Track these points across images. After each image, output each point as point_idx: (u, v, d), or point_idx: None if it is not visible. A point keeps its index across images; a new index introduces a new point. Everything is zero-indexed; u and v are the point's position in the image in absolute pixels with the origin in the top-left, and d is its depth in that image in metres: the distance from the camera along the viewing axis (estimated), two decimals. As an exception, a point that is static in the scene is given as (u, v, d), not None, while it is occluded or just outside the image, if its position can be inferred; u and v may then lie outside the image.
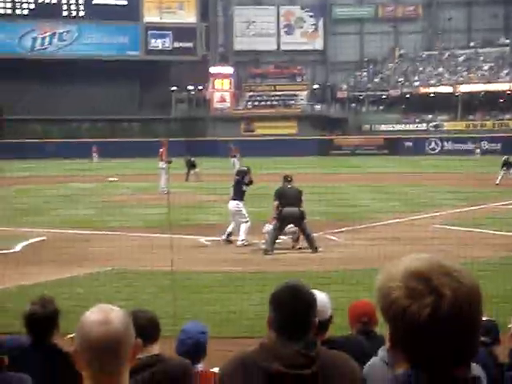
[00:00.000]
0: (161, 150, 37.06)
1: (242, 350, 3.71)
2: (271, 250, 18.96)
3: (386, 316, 1.90)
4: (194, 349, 5.60)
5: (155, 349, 4.83)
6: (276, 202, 19.15)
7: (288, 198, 19.06)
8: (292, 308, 3.61)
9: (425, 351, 1.85)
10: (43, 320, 5.22)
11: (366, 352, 4.98)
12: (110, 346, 2.49)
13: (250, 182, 21.17)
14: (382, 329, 2.09)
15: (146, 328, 4.67)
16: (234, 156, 50.48)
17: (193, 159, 44.38)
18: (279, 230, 19.25)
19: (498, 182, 37.80)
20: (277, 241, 19.57)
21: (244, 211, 20.64)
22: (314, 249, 19.00)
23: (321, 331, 4.89)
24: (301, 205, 19.12)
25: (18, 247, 19.73)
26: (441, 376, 1.87)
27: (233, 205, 20.83)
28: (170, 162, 35.82)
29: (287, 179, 19.87)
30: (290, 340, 3.53)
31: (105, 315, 2.53)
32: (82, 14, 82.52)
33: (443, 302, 1.82)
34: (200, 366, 5.64)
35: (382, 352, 4.23)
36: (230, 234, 20.69)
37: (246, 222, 20.41)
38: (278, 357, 3.47)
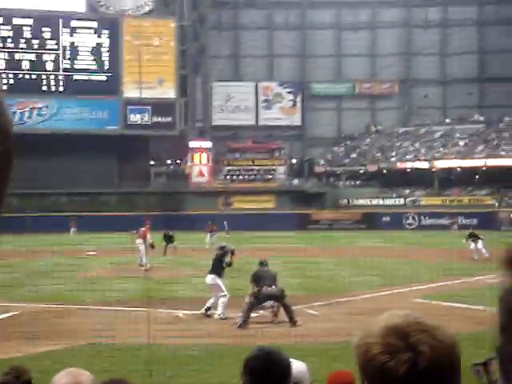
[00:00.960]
0: (143, 228, 36.91)
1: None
2: (244, 324, 18.91)
3: (364, 373, 1.89)
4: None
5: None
6: (252, 285, 19.32)
7: (265, 279, 19.29)
8: (265, 374, 3.58)
9: None
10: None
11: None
12: None
13: (230, 264, 21.25)
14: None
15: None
16: (211, 231, 50.39)
17: (171, 233, 44.28)
18: (255, 306, 19.32)
19: (476, 257, 37.99)
20: (255, 315, 19.51)
21: (222, 285, 20.60)
22: (293, 322, 18.97)
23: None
24: (278, 286, 19.38)
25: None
26: None
27: (210, 279, 20.84)
28: (152, 247, 35.89)
29: (263, 263, 20.11)
30: None
31: (74, 379, 2.49)
32: (61, 89, 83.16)
33: (421, 359, 1.82)
34: None
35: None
36: (208, 308, 20.61)
37: (224, 295, 20.37)
38: None
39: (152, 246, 36.06)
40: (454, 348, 1.88)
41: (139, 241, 36.06)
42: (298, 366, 5.06)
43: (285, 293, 19.31)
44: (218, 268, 20.91)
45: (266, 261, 20.38)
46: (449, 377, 1.85)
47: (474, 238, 39.98)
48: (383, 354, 1.83)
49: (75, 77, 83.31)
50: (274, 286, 19.27)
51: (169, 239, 43.93)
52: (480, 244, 39.14)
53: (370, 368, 1.85)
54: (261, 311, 19.83)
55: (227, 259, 21.25)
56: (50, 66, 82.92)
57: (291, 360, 4.03)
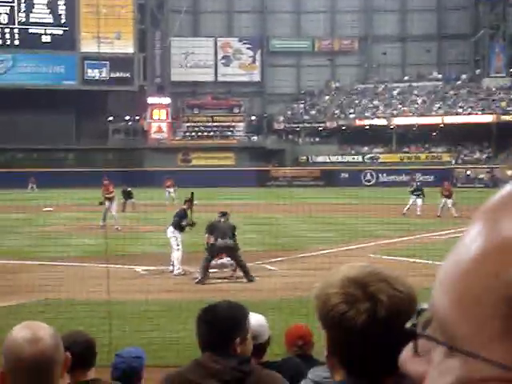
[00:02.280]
0: (106, 182, 36.50)
1: (177, 369, 3.70)
2: (203, 280, 18.98)
3: (324, 323, 1.91)
4: (129, 373, 5.54)
5: (91, 374, 4.75)
6: (207, 235, 19.27)
7: (220, 231, 19.19)
8: (208, 325, 3.67)
9: (360, 358, 1.87)
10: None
11: (303, 374, 4.99)
12: (42, 365, 2.40)
13: (192, 224, 20.96)
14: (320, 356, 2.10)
15: (82, 353, 4.59)
16: (169, 187, 50.31)
17: (129, 189, 44.04)
18: (210, 260, 19.33)
19: (404, 212, 38.67)
20: (212, 270, 19.57)
21: (179, 239, 20.58)
22: (249, 279, 19.06)
23: (258, 354, 4.89)
24: (234, 239, 19.26)
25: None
26: None
27: (170, 231, 20.80)
28: (100, 204, 35.56)
29: (223, 215, 19.98)
30: (222, 357, 3.55)
31: (34, 333, 2.43)
32: (16, 42, 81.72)
33: (379, 308, 1.84)
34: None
35: (313, 373, 4.24)
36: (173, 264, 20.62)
37: (178, 250, 20.38)
38: (212, 373, 3.48)
39: (100, 203, 35.75)
40: (411, 297, 1.90)
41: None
42: (257, 320, 5.09)
43: (238, 246, 19.23)
44: (177, 226, 20.85)
45: (227, 212, 20.19)
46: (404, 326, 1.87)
47: (419, 193, 40.45)
48: (342, 303, 1.86)
49: (31, 30, 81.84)
50: (228, 239, 19.15)
51: (127, 195, 43.73)
52: (420, 201, 39.77)
53: (330, 318, 1.87)
54: (225, 269, 19.89)
55: (185, 222, 20.91)
56: (4, 19, 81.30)
57: (251, 314, 4.06)
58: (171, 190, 49.78)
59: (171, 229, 20.75)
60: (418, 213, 38.63)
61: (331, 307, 1.86)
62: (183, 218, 20.83)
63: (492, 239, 0.70)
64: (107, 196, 35.67)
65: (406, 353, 0.87)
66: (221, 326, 3.68)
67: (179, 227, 20.72)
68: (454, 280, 0.77)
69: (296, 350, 6.15)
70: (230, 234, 19.20)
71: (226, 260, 19.68)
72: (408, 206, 39.55)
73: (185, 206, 21.41)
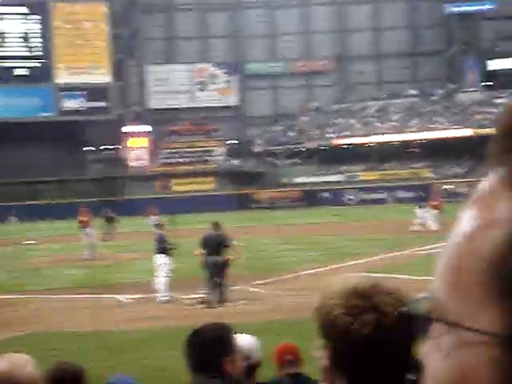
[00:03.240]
0: (82, 218, 36.21)
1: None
2: (221, 300, 18.74)
3: (327, 335, 1.90)
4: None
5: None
6: (198, 251, 19.07)
7: (210, 245, 18.91)
8: (196, 347, 3.69)
9: (364, 370, 1.86)
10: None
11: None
12: None
13: (174, 247, 20.73)
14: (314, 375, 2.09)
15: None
16: (152, 215, 50.23)
17: (111, 215, 44.01)
18: (212, 278, 18.95)
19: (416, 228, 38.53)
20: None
21: (168, 266, 20.38)
22: (222, 301, 18.81)
23: (250, 374, 4.87)
24: (224, 253, 18.98)
25: None
26: None
27: (158, 257, 20.48)
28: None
29: (214, 225, 19.75)
30: (214, 378, 3.56)
31: (12, 363, 2.42)
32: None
33: (385, 320, 1.84)
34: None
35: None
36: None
37: (165, 276, 20.19)
38: None
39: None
40: None
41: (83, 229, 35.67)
42: (247, 340, 5.08)
43: (226, 264, 18.89)
44: (162, 247, 20.58)
45: (217, 222, 19.90)
46: (410, 338, 1.88)
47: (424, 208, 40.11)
48: (346, 314, 1.85)
49: (5, 64, 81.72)
50: (217, 255, 18.68)
51: (111, 220, 43.68)
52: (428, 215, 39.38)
53: (333, 330, 1.87)
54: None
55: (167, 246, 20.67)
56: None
57: (241, 335, 4.06)
58: (154, 217, 49.60)
59: (158, 256, 20.52)
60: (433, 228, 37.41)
61: (334, 319, 1.86)
62: (164, 241, 20.69)
63: (482, 221, 0.76)
64: (83, 223, 35.33)
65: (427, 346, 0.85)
66: (209, 346, 3.69)
67: (164, 252, 20.52)
68: (445, 261, 0.81)
69: (286, 367, 6.12)
70: (219, 249, 18.85)
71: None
72: (419, 221, 39.10)
73: (160, 231, 21.37)
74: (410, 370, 1.90)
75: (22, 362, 2.49)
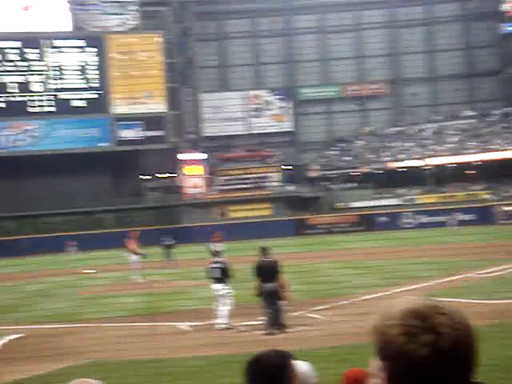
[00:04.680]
0: (130, 241, 36.85)
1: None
2: (270, 330, 18.61)
3: (383, 356, 1.87)
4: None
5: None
6: (256, 279, 18.97)
7: (264, 273, 18.82)
8: (257, 375, 3.65)
9: None
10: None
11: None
12: None
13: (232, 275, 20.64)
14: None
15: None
16: (217, 241, 50.42)
17: (170, 243, 44.37)
18: (268, 305, 18.88)
19: None
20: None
21: (230, 293, 20.30)
22: (280, 327, 18.66)
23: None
24: (279, 277, 18.86)
25: (-4, 345, 19.37)
26: None
27: (221, 285, 20.38)
28: (143, 256, 35.84)
29: (264, 250, 19.64)
30: None
31: None
32: (52, 109, 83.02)
33: (442, 341, 1.81)
34: None
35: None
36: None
37: (227, 304, 20.16)
38: None
39: (143, 255, 35.98)
40: (471, 331, 1.88)
41: (128, 255, 36.31)
42: (303, 367, 5.03)
43: (282, 288, 18.69)
44: (223, 276, 20.49)
45: (265, 247, 19.77)
46: (467, 359, 1.84)
47: None
48: (404, 336, 1.82)
49: (64, 96, 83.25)
50: (271, 282, 18.58)
51: (169, 247, 44.06)
52: None
53: (390, 351, 1.84)
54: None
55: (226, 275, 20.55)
56: (38, 87, 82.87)
57: (297, 362, 4.01)
58: (218, 244, 49.74)
59: (220, 283, 20.32)
60: None
61: (392, 340, 1.83)
62: (227, 268, 20.57)
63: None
64: (132, 250, 36.04)
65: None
66: (270, 374, 3.65)
67: (227, 279, 20.37)
68: None
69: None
70: (273, 275, 18.72)
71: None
72: None
73: (223, 258, 21.35)
74: None
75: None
